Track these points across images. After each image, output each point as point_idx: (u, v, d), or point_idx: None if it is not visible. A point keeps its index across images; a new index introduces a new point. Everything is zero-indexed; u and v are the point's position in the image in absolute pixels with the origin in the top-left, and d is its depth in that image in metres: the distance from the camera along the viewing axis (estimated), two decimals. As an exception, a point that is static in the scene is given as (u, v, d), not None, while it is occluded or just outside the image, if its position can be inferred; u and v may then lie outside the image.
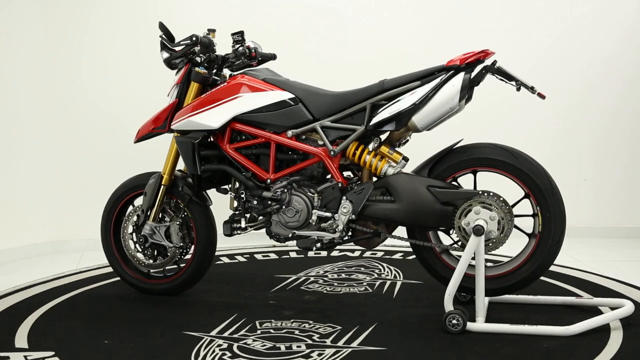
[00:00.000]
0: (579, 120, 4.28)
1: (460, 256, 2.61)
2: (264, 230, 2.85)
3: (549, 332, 2.37)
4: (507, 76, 2.50)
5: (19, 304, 2.96)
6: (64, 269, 3.63)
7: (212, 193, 3.00)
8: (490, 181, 2.74)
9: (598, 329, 2.39)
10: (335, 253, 3.81)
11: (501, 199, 2.51)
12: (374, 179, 2.69)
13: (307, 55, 4.23)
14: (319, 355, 2.24)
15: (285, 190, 2.71)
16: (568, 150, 4.30)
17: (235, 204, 2.86)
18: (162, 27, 2.91)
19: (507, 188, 2.65)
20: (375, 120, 2.58)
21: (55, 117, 4.21)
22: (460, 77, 2.49)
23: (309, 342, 2.37)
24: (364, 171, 2.68)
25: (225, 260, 3.73)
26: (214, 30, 2.94)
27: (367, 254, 3.79)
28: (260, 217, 2.84)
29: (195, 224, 2.94)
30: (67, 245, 4.24)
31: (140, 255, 3.05)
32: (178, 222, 2.95)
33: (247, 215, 2.86)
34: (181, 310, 2.80)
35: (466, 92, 2.51)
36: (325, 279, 3.26)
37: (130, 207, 3.09)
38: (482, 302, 2.48)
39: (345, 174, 2.74)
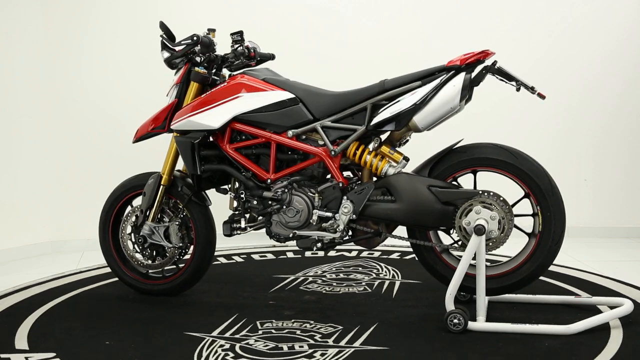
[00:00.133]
0: (579, 120, 4.28)
1: (460, 256, 2.62)
2: (260, 230, 2.85)
3: (549, 331, 2.37)
4: (507, 76, 2.51)
5: (18, 304, 2.96)
6: (64, 269, 3.63)
7: (210, 193, 2.99)
8: (490, 181, 2.75)
9: (598, 328, 2.40)
10: (332, 253, 3.81)
11: (501, 198, 2.52)
12: (374, 179, 2.70)
13: (307, 55, 4.23)
14: (322, 355, 2.24)
15: (286, 190, 2.71)
16: (568, 150, 4.30)
17: (235, 204, 2.86)
18: (163, 26, 2.90)
19: (507, 188, 2.66)
20: (376, 120, 2.58)
21: (55, 117, 4.21)
22: (461, 77, 2.49)
23: (311, 342, 2.37)
24: (364, 171, 2.68)
25: (223, 260, 3.73)
26: (214, 30, 2.94)
27: (364, 253, 3.79)
28: (260, 217, 2.84)
29: (194, 224, 2.93)
30: (67, 245, 4.24)
31: (138, 256, 3.04)
32: (177, 223, 2.94)
33: (247, 216, 2.85)
34: (181, 311, 2.79)
35: (467, 92, 2.51)
36: (324, 279, 3.26)
37: (129, 208, 3.08)
38: (483, 301, 2.48)
39: (345, 174, 2.74)
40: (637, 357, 2.17)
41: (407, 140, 2.76)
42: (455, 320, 2.40)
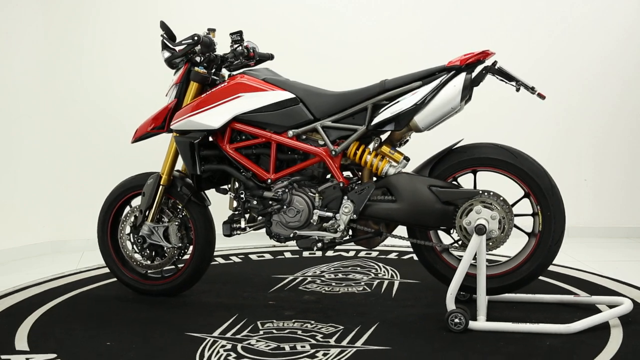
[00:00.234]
0: (579, 120, 4.29)
1: (460, 255, 2.63)
2: (258, 230, 2.85)
3: (550, 330, 2.38)
4: (507, 76, 2.51)
5: (18, 304, 2.96)
6: (64, 269, 3.63)
7: (209, 193, 2.99)
8: (489, 181, 2.75)
9: (598, 327, 2.41)
10: (330, 253, 3.81)
11: (501, 198, 2.52)
12: (374, 179, 2.70)
13: (307, 55, 4.23)
14: (324, 355, 2.24)
15: (286, 190, 2.71)
16: (568, 150, 4.30)
17: (235, 204, 2.85)
18: (164, 26, 2.90)
19: (506, 188, 2.66)
20: (376, 120, 2.58)
21: (55, 117, 4.21)
22: (461, 77, 2.50)
23: (313, 342, 2.37)
24: (364, 171, 2.68)
25: (220, 260, 3.72)
26: (214, 30, 2.94)
27: (362, 253, 3.80)
28: (260, 218, 2.84)
29: (194, 225, 2.92)
30: (67, 245, 4.24)
31: (137, 256, 3.03)
32: (177, 223, 2.94)
33: (247, 216, 2.85)
34: (181, 311, 2.79)
35: (467, 93, 2.51)
36: (323, 279, 3.26)
37: (128, 208, 3.06)
38: (483, 301, 2.48)
39: (345, 174, 2.74)
40: (638, 356, 2.17)
41: (407, 140, 2.76)
42: (457, 320, 2.41)
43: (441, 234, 2.75)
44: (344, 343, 2.35)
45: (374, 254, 3.78)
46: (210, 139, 2.87)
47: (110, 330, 2.56)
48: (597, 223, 4.31)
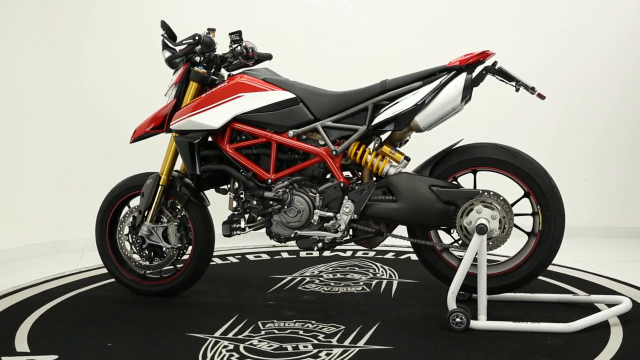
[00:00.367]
0: (579, 120, 4.29)
1: (460, 255, 2.63)
2: (255, 230, 2.85)
3: (550, 329, 2.38)
4: (507, 77, 2.52)
5: (18, 304, 2.96)
6: (64, 269, 3.63)
7: (208, 193, 2.98)
8: (488, 181, 2.75)
9: (598, 326, 2.42)
10: (327, 253, 3.80)
11: (501, 198, 2.53)
12: (374, 178, 2.70)
13: (307, 55, 4.23)
14: (327, 355, 2.24)
15: (287, 190, 2.71)
16: (568, 150, 4.30)
17: (235, 204, 2.85)
18: (164, 25, 2.89)
19: (505, 187, 2.67)
20: (377, 120, 2.59)
21: (55, 117, 4.21)
22: (462, 78, 2.50)
23: (315, 342, 2.37)
24: (364, 171, 2.68)
25: (218, 261, 3.71)
26: (213, 30, 2.93)
27: (359, 253, 3.80)
28: (259, 218, 2.84)
29: (193, 225, 2.91)
30: (67, 245, 4.24)
31: (136, 257, 3.01)
32: (176, 223, 2.93)
33: (246, 216, 2.85)
34: (181, 312, 2.79)
35: (468, 93, 2.52)
36: (321, 279, 3.26)
37: (126, 208, 3.05)
38: (484, 300, 2.49)
39: (344, 174, 2.73)
40: (639, 355, 2.18)
41: (407, 140, 2.76)
42: (458, 319, 2.41)
43: (441, 233, 2.75)
44: (346, 343, 2.35)
45: (371, 253, 3.78)
46: (210, 139, 2.86)
47: (110, 331, 2.55)
48: (597, 223, 4.31)
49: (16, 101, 4.06)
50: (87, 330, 2.57)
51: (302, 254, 3.83)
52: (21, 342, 2.45)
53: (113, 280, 3.27)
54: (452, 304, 2.45)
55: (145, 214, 2.94)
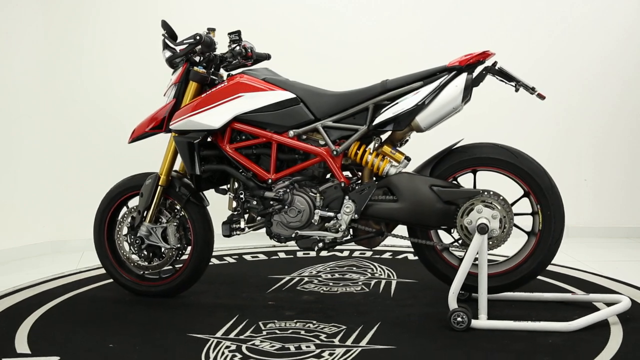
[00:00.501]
0: (579, 120, 4.29)
1: (460, 254, 2.64)
2: (255, 230, 2.85)
3: (551, 328, 2.39)
4: (507, 77, 2.52)
5: (18, 304, 2.96)
6: (64, 269, 3.63)
7: (207, 193, 2.98)
8: (487, 181, 2.76)
9: (598, 325, 2.43)
10: (324, 253, 3.79)
11: (501, 197, 2.53)
12: (374, 178, 2.70)
13: (307, 55, 4.23)
14: (330, 355, 2.24)
15: (288, 190, 2.71)
16: (568, 150, 4.30)
17: (234, 204, 2.85)
18: (165, 25, 2.88)
19: (504, 187, 2.67)
20: (378, 120, 2.59)
21: (55, 117, 4.21)
22: (463, 78, 2.51)
23: (317, 342, 2.37)
24: (364, 171, 2.68)
25: (215, 261, 3.70)
26: (214, 30, 2.93)
27: (356, 253, 3.80)
28: (259, 218, 2.83)
29: (192, 225, 2.90)
30: (67, 245, 4.24)
31: (135, 257, 3.00)
32: (175, 223, 2.92)
33: (246, 216, 2.84)
34: (180, 312, 2.78)
35: (468, 93, 2.52)
36: (320, 279, 3.26)
37: (125, 209, 3.04)
38: (485, 299, 2.49)
39: (344, 174, 2.73)
40: (639, 353, 2.18)
41: (407, 140, 2.77)
42: (459, 319, 2.41)
43: (441, 233, 2.75)
44: (349, 342, 2.35)
45: (368, 253, 3.79)
46: (209, 139, 2.86)
47: (111, 332, 2.55)
48: (597, 223, 4.31)
49: (16, 101, 4.06)
50: (88, 330, 2.57)
51: (299, 254, 3.83)
52: (21, 342, 2.45)
53: (113, 280, 3.27)
54: (453, 304, 2.46)
55: (144, 215, 2.93)
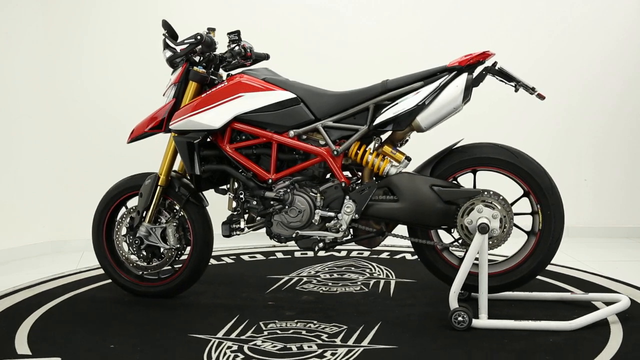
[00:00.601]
0: (579, 120, 4.29)
1: (461, 254, 2.64)
2: (255, 231, 2.85)
3: (552, 327, 2.40)
4: (507, 77, 2.53)
5: (18, 304, 2.95)
6: (64, 269, 3.63)
7: (207, 193, 2.97)
8: (486, 180, 2.76)
9: (597, 324, 2.43)
10: (321, 253, 3.79)
11: (501, 197, 2.53)
12: (374, 178, 2.70)
13: (307, 55, 4.23)
14: (333, 354, 2.24)
15: (288, 190, 2.70)
16: (568, 150, 4.31)
17: (234, 204, 2.84)
18: (166, 24, 2.88)
19: (504, 187, 2.67)
20: (379, 120, 2.59)
21: (55, 117, 4.21)
22: (463, 78, 2.51)
23: (319, 342, 2.37)
24: (365, 171, 2.68)
25: (212, 261, 3.68)
26: (214, 29, 2.92)
27: (354, 253, 3.80)
28: (259, 218, 2.83)
29: (192, 225, 2.89)
30: (67, 245, 4.23)
31: (134, 258, 2.99)
32: (175, 224, 2.91)
33: (246, 216, 2.84)
34: (180, 313, 2.78)
35: (468, 93, 2.52)
36: (319, 279, 3.25)
37: (123, 209, 3.03)
38: (485, 299, 2.49)
39: (344, 174, 2.73)
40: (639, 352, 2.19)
41: (407, 140, 2.77)
42: (460, 318, 2.41)
43: (441, 233, 2.75)
44: (350, 342, 2.35)
45: (366, 253, 3.79)
46: (209, 139, 2.86)
47: (111, 332, 2.54)
48: (597, 223, 4.32)
49: (16, 101, 4.06)
50: (88, 331, 2.56)
51: (297, 254, 3.83)
52: (21, 343, 2.44)
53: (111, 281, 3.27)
54: (454, 303, 2.46)
55: (144, 215, 2.92)
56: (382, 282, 3.16)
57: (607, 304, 2.64)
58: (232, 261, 3.74)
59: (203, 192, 2.95)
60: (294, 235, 2.72)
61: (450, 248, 2.69)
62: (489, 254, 2.50)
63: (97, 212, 3.03)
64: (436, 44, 4.24)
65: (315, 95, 2.70)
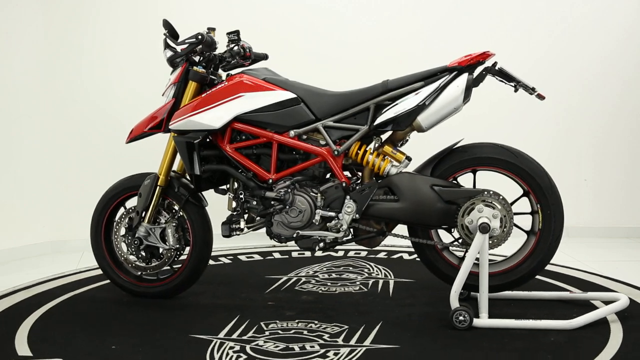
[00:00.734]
0: (579, 120, 4.29)
1: (460, 254, 2.64)
2: (255, 231, 2.85)
3: (552, 326, 2.40)
4: (507, 77, 2.53)
5: (18, 304, 2.95)
6: (64, 269, 3.63)
7: (206, 193, 2.97)
8: (486, 180, 2.76)
9: (597, 323, 2.44)
10: (319, 253, 3.79)
11: (501, 197, 2.53)
12: (374, 178, 2.70)
13: (307, 55, 4.23)
14: (335, 354, 2.24)
15: (289, 190, 2.70)
16: (568, 150, 4.31)
17: (234, 204, 2.84)
18: (167, 24, 2.87)
19: (503, 187, 2.67)
20: (379, 120, 2.59)
21: (55, 117, 4.21)
22: (464, 78, 2.51)
23: (321, 341, 2.37)
24: (365, 171, 2.68)
25: (210, 262, 3.67)
26: (214, 29, 2.92)
27: (351, 253, 3.81)
28: (259, 218, 2.83)
29: (191, 225, 2.89)
30: (67, 245, 4.23)
31: (132, 258, 2.98)
32: (174, 224, 2.90)
33: (245, 216, 2.84)
34: (180, 313, 2.77)
35: (469, 93, 2.53)
36: (317, 279, 3.25)
37: (122, 209, 3.03)
38: (486, 298, 2.50)
39: (344, 174, 2.73)
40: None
41: (407, 140, 2.77)
42: (461, 318, 2.42)
43: (441, 232, 2.75)
44: (352, 342, 2.35)
45: (364, 253, 3.79)
46: (209, 139, 2.85)
47: (111, 333, 2.53)
48: (597, 223, 4.32)
49: (16, 101, 4.06)
50: (88, 331, 2.56)
51: (294, 254, 3.83)
52: (22, 344, 2.43)
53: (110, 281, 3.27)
54: (455, 302, 2.46)
55: (143, 215, 2.91)
56: (380, 282, 3.16)
57: (606, 303, 2.65)
58: (229, 261, 3.74)
59: (202, 192, 2.94)
60: (294, 235, 2.72)
61: (450, 248, 2.69)
62: (488, 254, 2.50)
63: (96, 212, 3.02)
64: (436, 44, 4.24)
65: (316, 95, 2.70)
